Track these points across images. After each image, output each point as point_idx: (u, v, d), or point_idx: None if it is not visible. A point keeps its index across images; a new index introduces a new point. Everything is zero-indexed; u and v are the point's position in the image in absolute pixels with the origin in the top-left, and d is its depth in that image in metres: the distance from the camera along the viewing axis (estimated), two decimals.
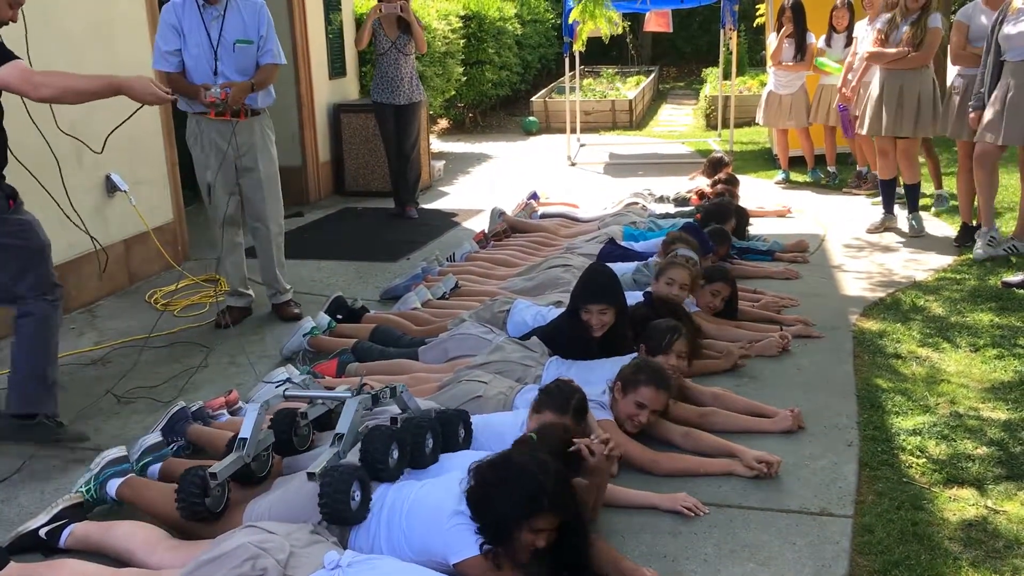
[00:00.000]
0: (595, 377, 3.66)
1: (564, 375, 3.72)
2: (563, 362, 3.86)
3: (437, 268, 5.73)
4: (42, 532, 2.86)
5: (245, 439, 2.87)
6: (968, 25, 6.07)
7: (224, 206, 4.89)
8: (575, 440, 2.78)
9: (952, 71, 6.47)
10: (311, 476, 2.65)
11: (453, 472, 2.87)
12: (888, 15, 6.47)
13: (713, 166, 7.69)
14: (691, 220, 6.07)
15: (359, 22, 9.11)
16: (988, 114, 5.60)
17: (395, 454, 2.78)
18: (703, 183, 7.49)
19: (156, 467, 3.22)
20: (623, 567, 2.64)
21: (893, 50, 6.27)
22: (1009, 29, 5.48)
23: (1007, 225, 6.26)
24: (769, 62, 8.54)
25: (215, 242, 5.05)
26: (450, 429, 3.10)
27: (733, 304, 4.73)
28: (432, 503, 2.61)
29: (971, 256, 5.89)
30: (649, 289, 4.46)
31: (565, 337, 3.93)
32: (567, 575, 2.58)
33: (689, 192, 7.47)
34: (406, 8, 7.38)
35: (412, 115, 7.67)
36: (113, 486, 3.02)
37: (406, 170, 7.75)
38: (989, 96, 5.61)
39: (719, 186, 7.16)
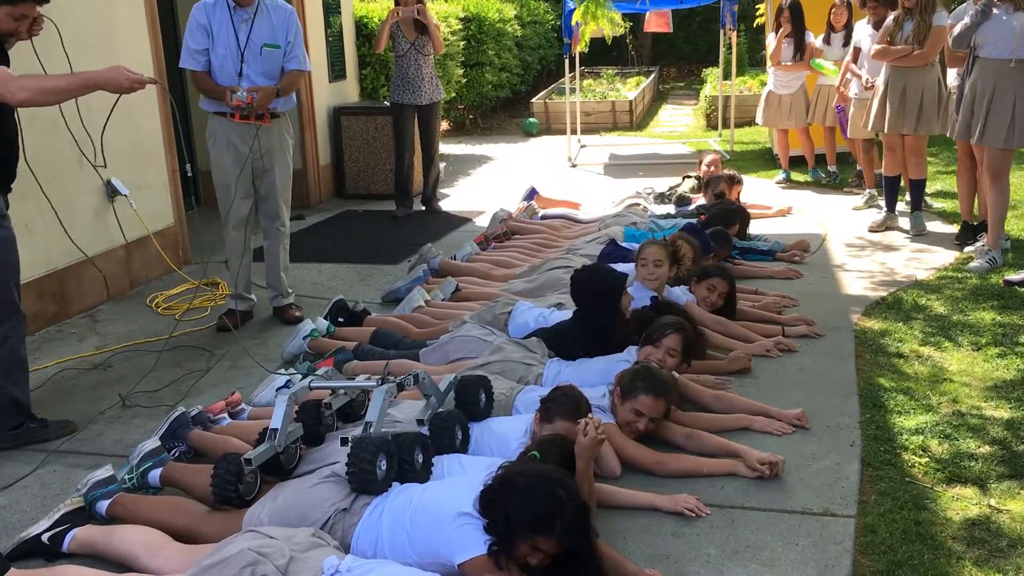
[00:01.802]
0: (589, 377, 3.66)
1: (561, 374, 3.73)
2: (561, 362, 3.86)
3: (437, 258, 5.73)
4: (44, 537, 2.86)
5: (276, 429, 2.96)
6: None
7: (241, 208, 4.93)
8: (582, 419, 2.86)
9: (952, 71, 6.46)
10: (344, 441, 2.81)
11: (455, 476, 2.88)
12: (893, 14, 6.47)
13: (707, 186, 7.52)
14: (692, 221, 6.07)
15: (359, 25, 9.14)
16: (977, 118, 5.58)
17: (420, 457, 2.88)
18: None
19: (156, 472, 3.21)
20: (626, 570, 2.64)
21: (898, 48, 6.28)
22: (986, 26, 5.49)
23: (1007, 224, 6.22)
24: (769, 62, 8.53)
25: (224, 243, 5.05)
26: (471, 398, 3.28)
27: (732, 301, 4.72)
28: (437, 505, 2.62)
29: (972, 255, 5.88)
30: (654, 293, 4.44)
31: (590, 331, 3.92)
32: None
33: (692, 190, 7.46)
34: (423, 11, 7.51)
35: (433, 114, 7.87)
36: (102, 507, 3.02)
37: (430, 169, 7.91)
38: (966, 94, 5.63)
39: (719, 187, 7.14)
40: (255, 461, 2.88)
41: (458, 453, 3.10)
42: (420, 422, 3.13)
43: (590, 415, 2.88)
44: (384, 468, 2.73)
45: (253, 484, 2.91)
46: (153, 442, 3.32)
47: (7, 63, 3.47)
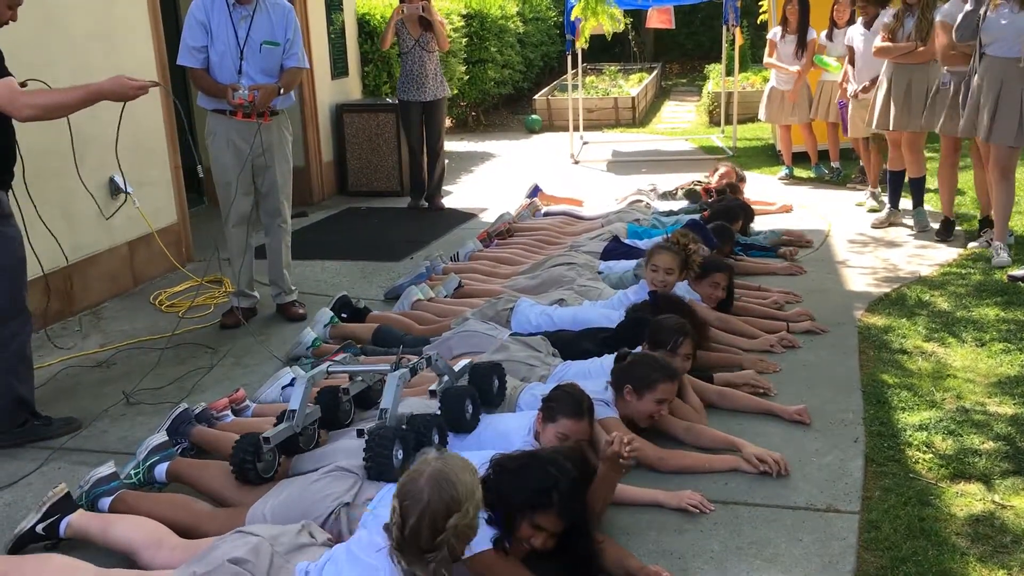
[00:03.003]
0: (594, 372, 3.65)
1: (566, 374, 3.73)
2: (567, 364, 3.84)
3: (441, 265, 5.73)
4: (39, 529, 2.87)
5: (295, 411, 3.04)
6: (951, 24, 5.97)
7: (242, 206, 4.93)
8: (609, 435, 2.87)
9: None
10: (360, 432, 2.88)
11: None
12: (892, 11, 6.44)
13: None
14: (695, 217, 6.06)
15: (361, 22, 9.14)
16: (984, 116, 5.55)
17: (436, 437, 2.97)
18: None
19: (163, 467, 3.22)
20: (630, 565, 2.64)
21: (901, 44, 6.26)
22: (992, 22, 5.46)
23: (1012, 221, 6.19)
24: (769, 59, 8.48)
25: (226, 241, 5.05)
26: (485, 383, 3.33)
27: (730, 291, 4.72)
28: None
29: (976, 251, 5.88)
30: (654, 288, 4.44)
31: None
32: None
33: (696, 185, 7.46)
34: (427, 8, 7.52)
35: (438, 111, 7.90)
36: (104, 504, 3.02)
37: (435, 165, 7.95)
38: (974, 92, 5.59)
39: (723, 181, 7.14)
40: (273, 440, 2.95)
41: (461, 447, 3.11)
42: (432, 393, 3.19)
43: (628, 435, 2.88)
44: (400, 457, 2.80)
45: (272, 462, 2.99)
46: (161, 436, 3.33)
47: (4, 74, 3.47)
